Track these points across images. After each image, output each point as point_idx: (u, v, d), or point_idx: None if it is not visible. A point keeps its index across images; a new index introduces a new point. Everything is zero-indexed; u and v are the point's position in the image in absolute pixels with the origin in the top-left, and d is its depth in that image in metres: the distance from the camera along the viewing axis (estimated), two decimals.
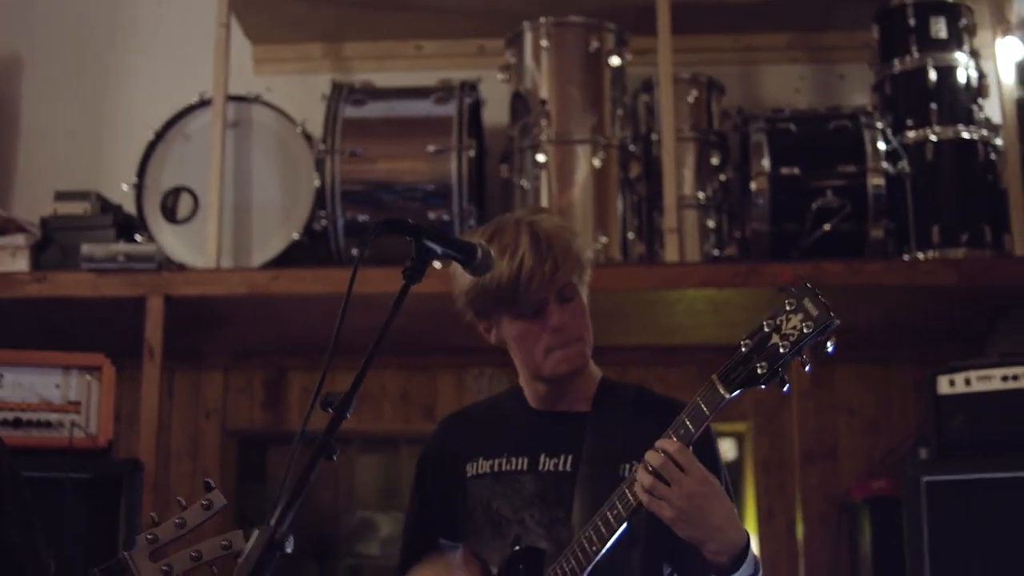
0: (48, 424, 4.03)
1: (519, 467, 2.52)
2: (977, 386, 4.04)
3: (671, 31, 5.03)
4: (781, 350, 2.08)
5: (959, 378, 4.05)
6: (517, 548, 2.42)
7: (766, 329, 2.11)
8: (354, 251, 5.00)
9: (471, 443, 2.62)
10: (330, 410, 1.99)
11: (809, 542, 4.67)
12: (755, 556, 2.25)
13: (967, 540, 3.87)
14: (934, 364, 4.43)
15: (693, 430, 2.17)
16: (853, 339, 5.20)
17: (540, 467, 2.50)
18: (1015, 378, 3.98)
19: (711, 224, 5.12)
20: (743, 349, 2.13)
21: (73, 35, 5.95)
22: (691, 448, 2.18)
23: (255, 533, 1.83)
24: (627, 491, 2.22)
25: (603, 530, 2.25)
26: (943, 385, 4.09)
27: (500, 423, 2.64)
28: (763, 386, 2.12)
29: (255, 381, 5.57)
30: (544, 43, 5.07)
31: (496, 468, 2.54)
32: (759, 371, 2.10)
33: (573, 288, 2.50)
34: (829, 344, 2.07)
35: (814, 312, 2.06)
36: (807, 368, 2.11)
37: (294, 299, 4.87)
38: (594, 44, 5.06)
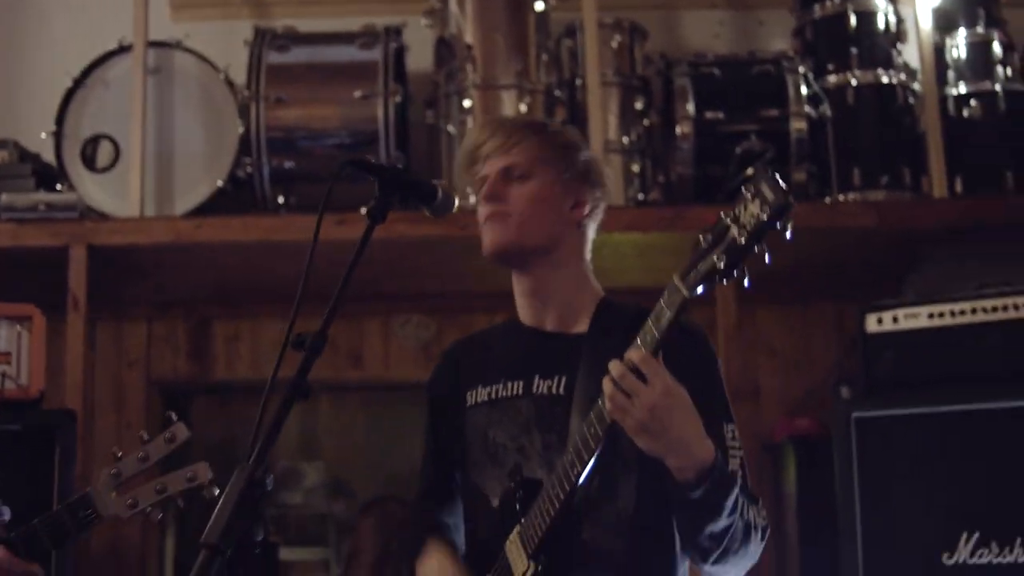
0: None
1: (515, 391, 2.49)
2: (905, 324, 4.11)
3: None
4: (740, 241, 1.95)
5: (887, 316, 4.12)
6: (517, 479, 2.39)
7: (725, 220, 1.98)
8: (280, 199, 4.98)
9: (470, 371, 2.60)
10: (302, 350, 1.97)
11: None
12: (726, 473, 2.20)
13: (896, 475, 3.94)
14: (854, 304, 4.52)
15: (658, 335, 2.09)
16: (774, 280, 5.28)
17: (535, 390, 2.46)
18: (941, 315, 4.07)
19: (635, 169, 5.15)
20: (702, 244, 2.01)
21: None
22: (661, 356, 2.12)
23: (235, 473, 1.83)
24: (602, 407, 2.16)
25: (582, 451, 2.21)
26: (871, 323, 4.16)
27: (497, 348, 2.61)
28: (724, 281, 2.00)
29: (178, 330, 5.51)
30: None
31: (493, 395, 2.52)
32: (718, 265, 1.98)
33: (524, 170, 2.47)
34: (787, 230, 1.93)
35: (770, 197, 1.92)
36: (767, 259, 1.95)
37: (220, 247, 4.83)
38: None
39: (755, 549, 2.31)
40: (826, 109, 5.00)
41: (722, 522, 2.20)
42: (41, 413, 4.08)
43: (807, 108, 4.98)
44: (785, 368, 5.42)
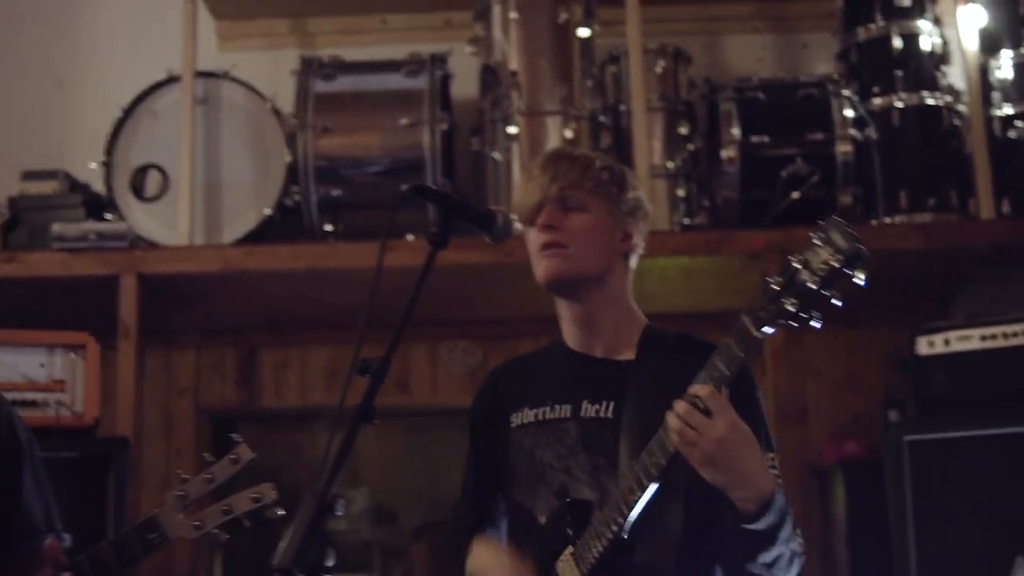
0: (34, 403, 4.03)
1: (562, 414, 2.53)
2: (956, 346, 4.12)
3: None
4: (811, 285, 2.00)
5: (938, 338, 4.13)
6: (567, 501, 2.44)
7: (795, 264, 2.03)
8: (328, 226, 5.01)
9: (516, 393, 2.64)
10: (367, 375, 1.99)
11: None
12: (784, 504, 2.25)
13: (949, 498, 3.94)
14: (900, 327, 4.51)
15: (727, 372, 2.15)
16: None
17: (582, 413, 2.51)
18: (993, 337, 4.07)
19: (681, 193, 5.16)
20: (773, 287, 2.06)
21: (34, 10, 5.90)
22: (727, 392, 2.18)
23: (304, 498, 1.85)
24: (664, 438, 2.22)
25: (643, 478, 2.26)
26: (923, 345, 4.17)
27: (543, 371, 2.66)
28: (794, 324, 2.05)
29: (227, 358, 5.56)
30: (513, 15, 5.09)
31: (540, 417, 2.56)
32: (789, 308, 2.03)
33: (580, 202, 2.53)
34: (860, 276, 1.99)
35: (843, 245, 1.97)
36: (838, 303, 2.02)
37: (269, 275, 4.87)
38: (563, 16, 5.09)
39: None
40: (871, 132, 5.00)
41: (775, 551, 2.26)
42: (96, 441, 4.14)
43: (852, 131, 4.98)
44: (831, 391, 5.41)
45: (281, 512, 2.59)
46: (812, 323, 2.04)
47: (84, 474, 3.96)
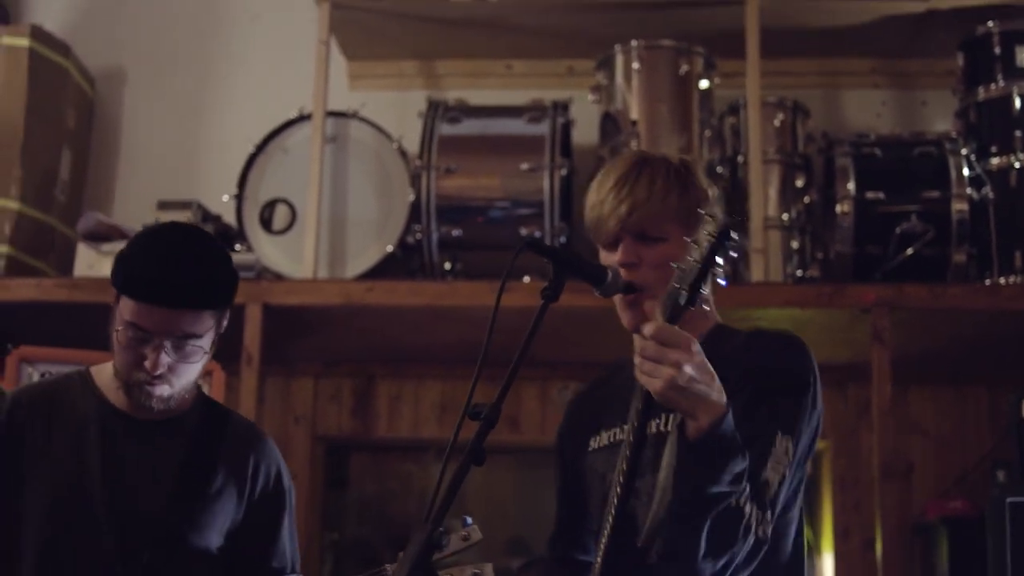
0: None
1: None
2: None
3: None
4: (694, 267, 2.12)
5: None
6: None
7: (691, 247, 2.14)
8: (447, 265, 5.15)
9: (594, 417, 2.64)
10: (479, 420, 2.10)
11: (887, 561, 4.67)
12: (735, 435, 2.17)
13: None
14: (1009, 387, 4.50)
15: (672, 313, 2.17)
16: (930, 360, 5.29)
17: (646, 431, 2.37)
18: None
19: (795, 245, 5.21)
20: (676, 273, 2.16)
21: (174, 48, 6.14)
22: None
23: (413, 532, 1.96)
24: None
25: (630, 434, 2.26)
26: None
27: (616, 393, 2.58)
28: (691, 307, 2.13)
29: (344, 389, 5.70)
30: (635, 65, 5.20)
31: (612, 439, 2.55)
32: (680, 301, 2.13)
33: (658, 231, 2.45)
34: (730, 250, 2.10)
35: (719, 219, 2.09)
36: (723, 281, 2.14)
37: (388, 310, 4.99)
38: (684, 67, 5.19)
39: (741, 551, 2.21)
40: (988, 191, 4.99)
41: (720, 486, 2.15)
42: None
43: (969, 190, 4.97)
44: (937, 448, 5.40)
45: None
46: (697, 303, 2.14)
47: None
